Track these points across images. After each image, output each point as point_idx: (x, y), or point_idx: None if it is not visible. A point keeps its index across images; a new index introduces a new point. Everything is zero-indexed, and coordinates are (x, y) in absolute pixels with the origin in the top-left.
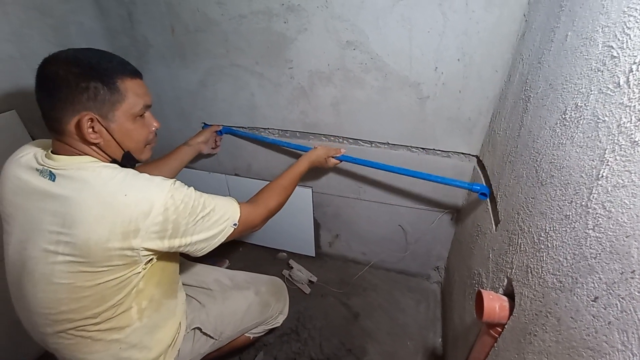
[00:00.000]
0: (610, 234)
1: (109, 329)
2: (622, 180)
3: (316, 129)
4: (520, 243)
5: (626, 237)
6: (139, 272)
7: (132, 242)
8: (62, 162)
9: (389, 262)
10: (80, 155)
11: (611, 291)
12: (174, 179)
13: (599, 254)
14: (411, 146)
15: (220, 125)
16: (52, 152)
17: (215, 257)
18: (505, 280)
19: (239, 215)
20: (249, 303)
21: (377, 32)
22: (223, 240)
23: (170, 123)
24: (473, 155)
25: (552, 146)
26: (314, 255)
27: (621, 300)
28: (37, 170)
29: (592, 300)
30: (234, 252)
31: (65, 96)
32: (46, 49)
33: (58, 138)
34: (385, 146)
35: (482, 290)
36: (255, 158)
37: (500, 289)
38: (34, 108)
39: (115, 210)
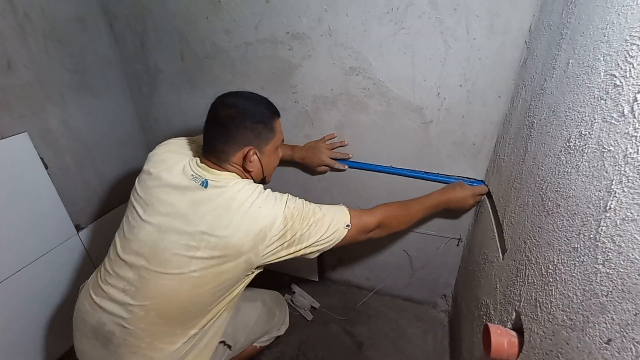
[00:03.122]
0: (622, 270)
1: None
2: (632, 213)
3: None
4: (528, 274)
5: (638, 275)
6: (244, 281)
7: (259, 247)
8: (215, 175)
9: (394, 288)
10: (229, 172)
11: (625, 333)
12: (287, 193)
13: (611, 291)
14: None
15: None
16: (203, 163)
17: None
18: (514, 313)
19: (349, 217)
20: (258, 313)
21: (380, 59)
22: (338, 242)
23: None
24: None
25: (557, 174)
26: (317, 279)
27: (636, 344)
28: (192, 176)
29: (605, 343)
30: None
31: (237, 134)
32: (62, 75)
33: (214, 159)
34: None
35: (489, 324)
36: None
37: (509, 322)
38: (43, 131)
39: (252, 219)
